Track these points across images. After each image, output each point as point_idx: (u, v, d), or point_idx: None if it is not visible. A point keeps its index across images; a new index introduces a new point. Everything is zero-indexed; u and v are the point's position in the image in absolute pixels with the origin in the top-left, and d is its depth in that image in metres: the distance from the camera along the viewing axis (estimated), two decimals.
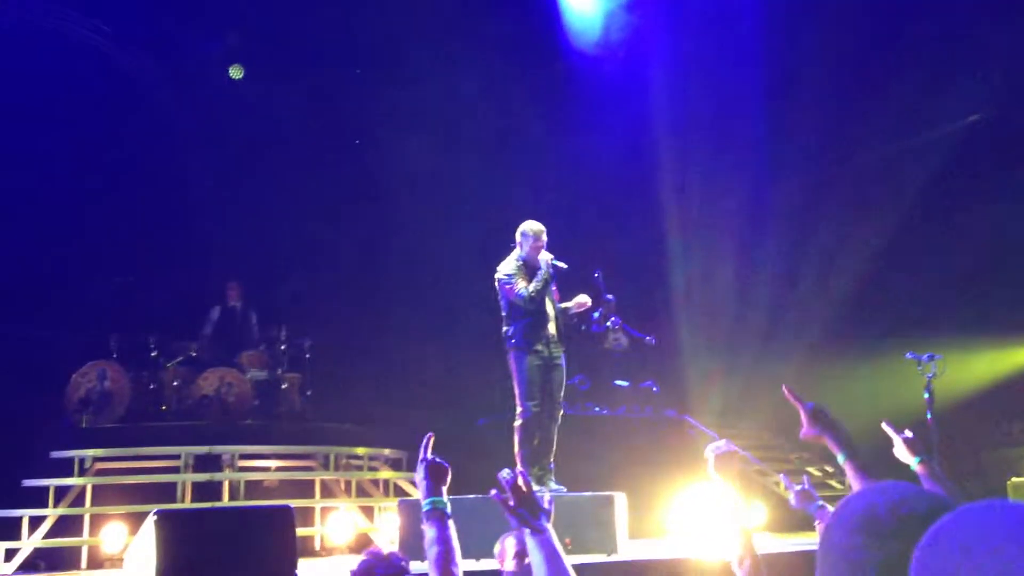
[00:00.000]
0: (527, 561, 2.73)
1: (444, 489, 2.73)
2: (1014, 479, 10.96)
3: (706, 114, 11.85)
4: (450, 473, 2.78)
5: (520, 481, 2.46)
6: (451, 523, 2.67)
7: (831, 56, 10.92)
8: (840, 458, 2.21)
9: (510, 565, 4.25)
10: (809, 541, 7.61)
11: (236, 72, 11.13)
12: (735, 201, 12.17)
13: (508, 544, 4.25)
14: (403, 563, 2.80)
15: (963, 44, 10.60)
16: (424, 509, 2.70)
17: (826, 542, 1.23)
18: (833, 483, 10.57)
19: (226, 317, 9.96)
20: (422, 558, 2.88)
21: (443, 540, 2.63)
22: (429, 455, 2.78)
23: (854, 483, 2.16)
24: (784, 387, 2.40)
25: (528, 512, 2.42)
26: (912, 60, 10.84)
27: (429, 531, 2.65)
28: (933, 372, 7.73)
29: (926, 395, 7.71)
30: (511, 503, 2.43)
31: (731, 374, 11.63)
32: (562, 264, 6.78)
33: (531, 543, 2.42)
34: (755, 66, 11.59)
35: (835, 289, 11.60)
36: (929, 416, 7.66)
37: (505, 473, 2.53)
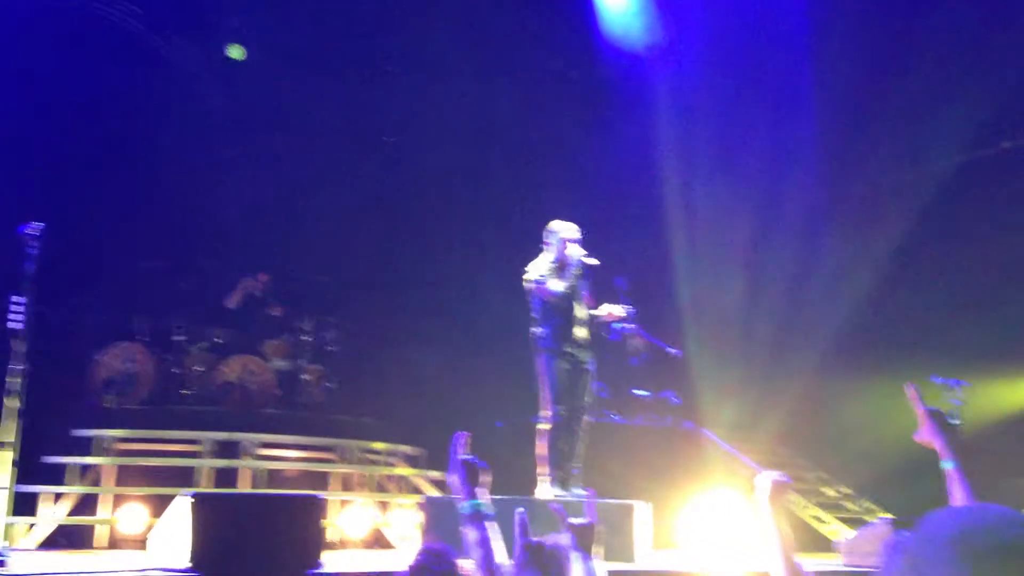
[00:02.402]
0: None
1: (483, 490, 2.72)
2: None
3: (716, 127, 11.84)
4: (488, 473, 2.77)
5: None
6: (493, 524, 2.67)
7: (845, 75, 10.87)
8: (949, 465, 2.21)
9: None
10: (825, 563, 7.57)
11: (236, 52, 10.84)
12: (745, 214, 12.13)
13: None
14: (454, 558, 2.80)
15: (970, 76, 10.51)
16: (465, 512, 2.68)
17: (915, 556, 1.20)
18: (848, 504, 10.52)
19: (249, 304, 9.99)
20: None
21: (484, 542, 2.63)
22: (466, 454, 2.76)
23: (955, 494, 2.15)
24: (908, 386, 2.39)
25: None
26: (921, 88, 10.75)
27: (471, 534, 2.64)
28: (961, 399, 7.72)
29: (953, 422, 7.67)
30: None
31: (744, 389, 11.58)
32: (593, 260, 6.77)
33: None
34: (765, 82, 11.57)
35: (854, 303, 11.52)
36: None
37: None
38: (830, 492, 10.75)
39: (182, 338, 9.24)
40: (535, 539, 2.76)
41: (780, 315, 11.79)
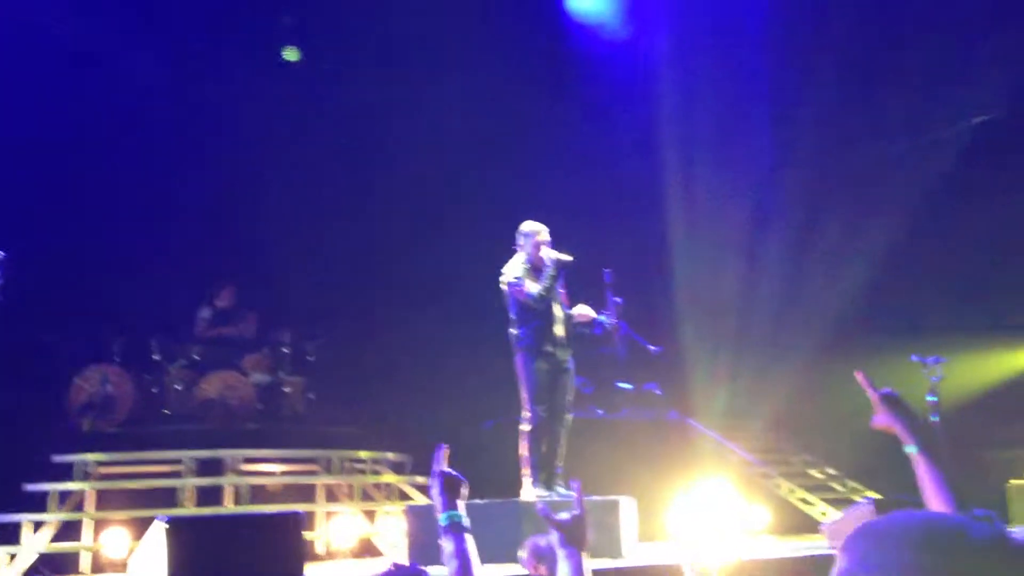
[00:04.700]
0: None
1: (460, 502, 2.69)
2: (1013, 481, 10.98)
3: (710, 111, 11.81)
4: (465, 485, 2.75)
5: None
6: (469, 536, 2.64)
7: (837, 52, 10.86)
8: (911, 450, 2.13)
9: (545, 569, 4.27)
10: (812, 545, 7.60)
11: (292, 54, 10.93)
12: (739, 199, 12.14)
13: (543, 544, 4.27)
14: (422, 574, 2.77)
15: (971, 43, 10.54)
16: (441, 524, 2.66)
17: (873, 557, 1.15)
18: (835, 486, 10.55)
19: (219, 319, 9.91)
20: (431, 563, 2.85)
21: (461, 554, 2.60)
22: (444, 467, 2.75)
23: (923, 478, 2.07)
24: (858, 373, 2.32)
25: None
26: (918, 58, 10.79)
27: (447, 545, 2.61)
28: (939, 375, 7.75)
29: (932, 398, 7.72)
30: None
31: (734, 377, 11.60)
32: (567, 256, 6.74)
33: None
34: (760, 61, 11.56)
35: (839, 290, 11.56)
36: (935, 418, 7.66)
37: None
38: (816, 474, 10.79)
39: (159, 357, 9.16)
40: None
41: (776, 302, 11.81)
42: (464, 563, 2.59)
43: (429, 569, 2.93)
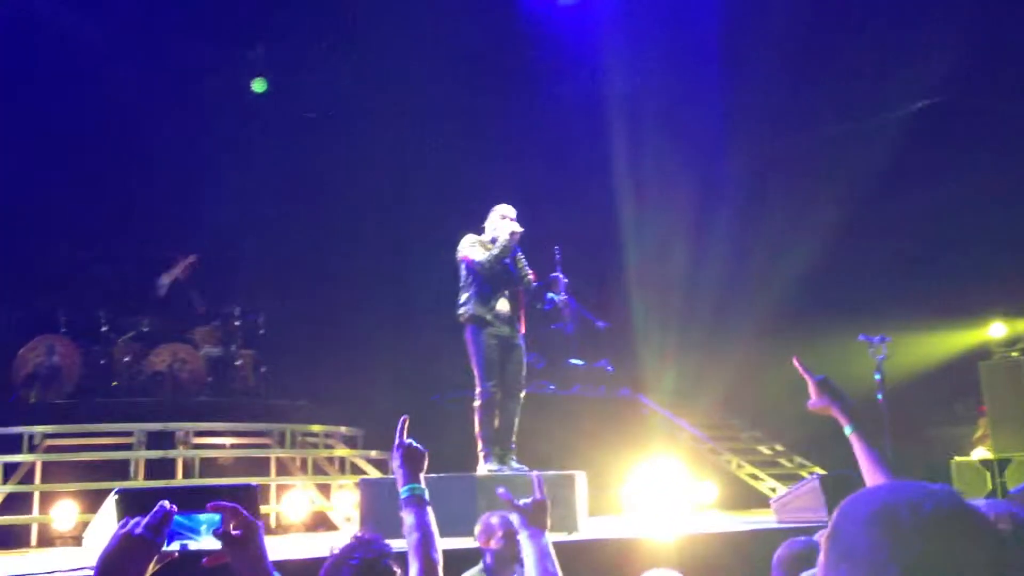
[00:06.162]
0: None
1: (421, 475, 2.71)
2: (956, 458, 11.28)
3: (660, 92, 11.88)
4: (427, 457, 2.76)
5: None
6: (429, 509, 2.66)
7: (785, 34, 10.96)
8: (847, 430, 2.23)
9: (495, 543, 4.34)
10: (759, 519, 7.76)
11: (259, 86, 11.02)
12: (688, 180, 12.24)
13: (494, 521, 4.35)
14: (386, 548, 2.78)
15: (915, 28, 10.71)
16: (402, 496, 2.67)
17: (840, 539, 1.19)
18: (783, 461, 10.76)
19: (174, 291, 9.79)
20: (386, 536, 2.87)
21: (422, 526, 2.61)
22: (405, 439, 2.75)
23: (860, 456, 2.17)
24: (795, 359, 2.41)
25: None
26: (865, 41, 10.94)
27: (408, 518, 2.62)
28: (884, 354, 7.92)
29: (877, 376, 7.89)
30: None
31: (684, 354, 11.73)
32: (517, 227, 6.68)
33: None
34: (709, 42, 11.63)
35: (786, 269, 11.74)
36: (880, 396, 7.84)
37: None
38: (764, 450, 10.99)
39: (107, 328, 9.02)
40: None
41: (722, 281, 11.94)
42: (425, 535, 2.61)
43: (385, 542, 2.95)
